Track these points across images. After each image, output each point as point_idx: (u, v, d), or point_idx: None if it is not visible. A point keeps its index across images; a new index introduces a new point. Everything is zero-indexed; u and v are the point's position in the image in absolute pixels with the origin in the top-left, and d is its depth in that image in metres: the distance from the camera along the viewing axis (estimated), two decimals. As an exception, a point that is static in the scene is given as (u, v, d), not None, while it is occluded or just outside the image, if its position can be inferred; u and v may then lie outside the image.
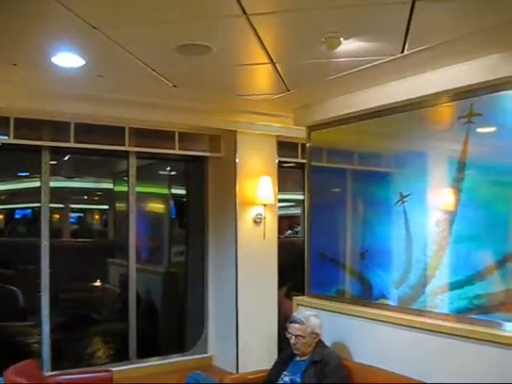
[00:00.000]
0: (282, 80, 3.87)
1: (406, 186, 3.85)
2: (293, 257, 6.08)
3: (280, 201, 5.76)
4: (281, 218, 7.73)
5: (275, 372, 4.01)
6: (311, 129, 4.70)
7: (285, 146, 5.70)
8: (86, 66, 3.52)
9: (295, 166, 5.99)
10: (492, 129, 3.44)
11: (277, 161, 5.54)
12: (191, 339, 5.80)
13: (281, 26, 2.97)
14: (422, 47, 3.12)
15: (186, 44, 3.10)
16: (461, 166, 3.48)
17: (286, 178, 6.31)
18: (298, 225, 7.29)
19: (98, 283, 6.00)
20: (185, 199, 6.22)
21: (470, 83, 3.36)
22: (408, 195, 3.81)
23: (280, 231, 7.99)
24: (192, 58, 3.34)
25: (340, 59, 3.35)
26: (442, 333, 3.43)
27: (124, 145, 5.03)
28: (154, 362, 5.44)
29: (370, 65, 3.45)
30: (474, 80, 3.34)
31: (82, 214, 6.62)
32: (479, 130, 3.43)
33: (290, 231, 7.63)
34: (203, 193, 5.76)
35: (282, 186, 5.78)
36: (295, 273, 4.86)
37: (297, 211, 7.25)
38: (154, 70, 3.63)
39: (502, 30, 2.85)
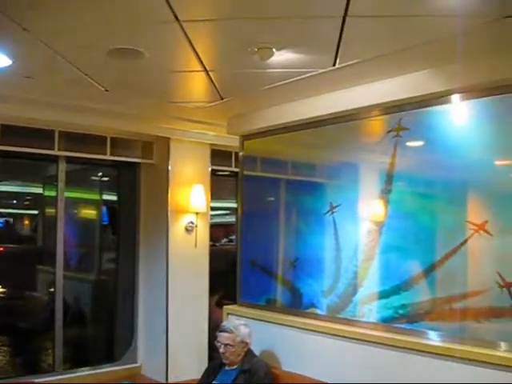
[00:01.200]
0: (216, 88, 3.86)
1: (336, 196, 3.92)
2: (226, 265, 6.07)
3: (215, 209, 5.75)
4: (217, 226, 7.72)
5: (204, 381, 3.98)
6: (244, 138, 4.72)
7: (219, 155, 5.68)
8: (13, 66, 3.39)
9: (231, 174, 5.99)
10: (419, 143, 3.56)
11: (210, 169, 5.52)
12: (120, 348, 5.66)
13: (214, 34, 2.96)
14: (353, 61, 3.18)
15: (117, 48, 3.03)
16: (389, 179, 3.57)
17: (221, 186, 6.30)
18: (234, 233, 7.29)
19: (25, 291, 5.80)
20: (116, 206, 6.10)
21: (398, 98, 3.46)
22: (338, 206, 3.88)
23: (216, 239, 7.98)
24: (124, 62, 3.28)
25: (273, 70, 3.37)
26: (369, 341, 3.49)
27: (53, 149, 4.87)
28: (81, 372, 5.26)
29: (302, 76, 3.49)
30: (402, 95, 3.44)
31: (10, 219, 6.40)
32: (406, 143, 3.54)
33: (225, 239, 7.62)
34: (135, 200, 5.66)
35: (217, 195, 5.76)
36: (228, 281, 4.85)
37: (232, 219, 7.24)
38: (84, 73, 3.54)
39: (430, 47, 2.95)
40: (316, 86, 3.70)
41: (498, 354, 2.90)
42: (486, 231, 3.06)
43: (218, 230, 7.98)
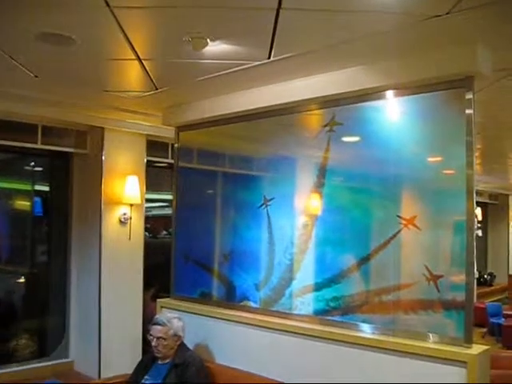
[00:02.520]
0: (150, 78, 3.78)
1: (270, 190, 3.93)
2: (163, 258, 5.99)
3: (155, 201, 5.65)
4: (156, 219, 7.61)
5: (136, 377, 3.91)
6: (180, 129, 4.66)
7: (155, 146, 5.60)
8: None
9: (169, 166, 5.90)
10: (352, 138, 3.60)
11: (145, 160, 5.43)
12: (52, 344, 5.53)
13: (146, 22, 2.90)
14: (288, 55, 3.18)
15: (45, 33, 2.92)
16: (322, 173, 3.60)
17: (160, 177, 6.21)
18: (173, 226, 7.20)
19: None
20: (49, 196, 5.92)
21: (333, 93, 3.49)
22: (271, 199, 3.88)
23: (156, 231, 7.87)
24: (53, 48, 3.16)
25: (207, 61, 3.33)
26: (301, 334, 3.52)
27: (-20, 137, 4.68)
28: (9, 368, 5.09)
29: (237, 68, 3.46)
30: (337, 90, 3.46)
31: None
32: (340, 138, 3.57)
33: (164, 232, 7.53)
34: (68, 190, 5.52)
35: (156, 186, 5.67)
36: (165, 274, 4.78)
37: (172, 212, 7.17)
38: (11, 57, 3.39)
39: (364, 43, 2.98)
40: (252, 78, 3.68)
41: (428, 345, 2.97)
42: (415, 225, 3.13)
43: (158, 223, 7.87)
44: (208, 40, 2.95)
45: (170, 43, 3.13)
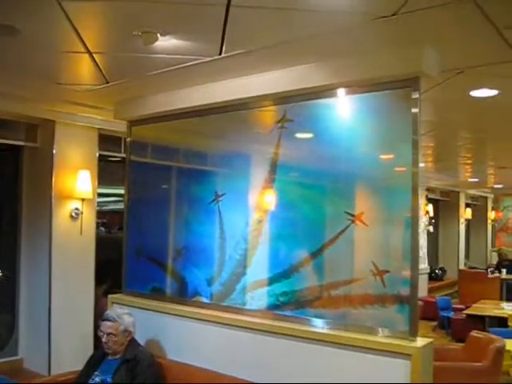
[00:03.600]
0: (101, 71, 3.74)
1: (222, 185, 3.93)
2: (117, 253, 5.94)
3: (109, 195, 5.58)
4: (112, 214, 7.52)
5: (86, 373, 3.87)
6: (132, 123, 4.61)
7: (108, 140, 5.54)
8: None
9: (124, 160, 5.83)
10: (302, 135, 3.64)
11: (97, 154, 5.36)
12: (0, 341, 5.41)
13: (95, 14, 2.87)
14: (239, 51, 3.19)
15: (-13, 22, 2.86)
16: (273, 169, 3.63)
17: (117, 172, 6.14)
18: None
19: None
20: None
21: (284, 90, 3.51)
22: (223, 195, 3.89)
23: (111, 226, 7.78)
24: (-4, 37, 3.08)
25: (158, 55, 3.31)
26: (252, 329, 3.54)
27: None
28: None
29: (189, 64, 3.45)
30: (288, 87, 3.48)
31: None
32: (291, 135, 3.60)
33: (118, 227, 7.45)
34: (17, 185, 5.40)
35: (110, 181, 5.60)
36: (119, 270, 4.74)
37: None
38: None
39: (315, 41, 3.02)
40: (204, 74, 3.68)
41: (375, 339, 3.03)
42: (362, 222, 3.19)
43: (113, 217, 7.79)
44: (158, 35, 2.94)
45: (120, 37, 3.11)
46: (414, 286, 2.98)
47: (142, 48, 3.14)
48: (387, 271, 3.08)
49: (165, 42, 3.05)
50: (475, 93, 4.22)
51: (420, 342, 2.95)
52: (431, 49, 2.96)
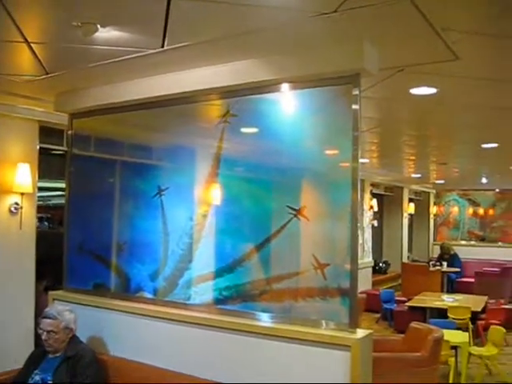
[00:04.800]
0: (40, 62, 3.63)
1: (165, 179, 3.90)
2: (58, 249, 5.81)
3: (54, 190, 5.44)
4: (57, 208, 7.35)
5: (25, 371, 3.78)
6: (74, 116, 4.51)
7: (50, 133, 5.39)
8: None
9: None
10: (246, 129, 3.67)
11: (38, 147, 5.22)
12: None
13: (33, 3, 2.77)
14: (182, 44, 3.16)
15: None
16: (217, 163, 3.63)
17: (62, 166, 5.98)
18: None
19: None
20: None
21: (228, 84, 3.50)
22: (166, 189, 3.87)
23: (57, 221, 7.60)
24: None
25: (99, 47, 3.25)
26: (195, 323, 3.54)
27: None
28: None
29: (131, 56, 3.40)
30: (232, 81, 3.48)
31: None
32: (234, 129, 3.60)
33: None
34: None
35: (57, 175, 5.45)
36: (59, 266, 4.63)
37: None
38: None
39: (257, 36, 3.02)
40: (147, 66, 3.63)
41: (316, 331, 3.07)
42: (304, 216, 3.22)
43: (57, 212, 7.63)
44: (98, 26, 2.89)
45: (60, 27, 3.04)
46: (353, 278, 3.04)
47: (82, 39, 3.07)
48: (328, 264, 3.13)
49: (105, 34, 3.00)
50: (415, 91, 4.32)
51: (359, 333, 3.01)
52: (371, 46, 3.02)
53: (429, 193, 16.77)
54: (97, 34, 2.98)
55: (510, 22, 3.01)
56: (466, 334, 7.44)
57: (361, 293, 10.05)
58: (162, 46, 3.20)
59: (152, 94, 3.84)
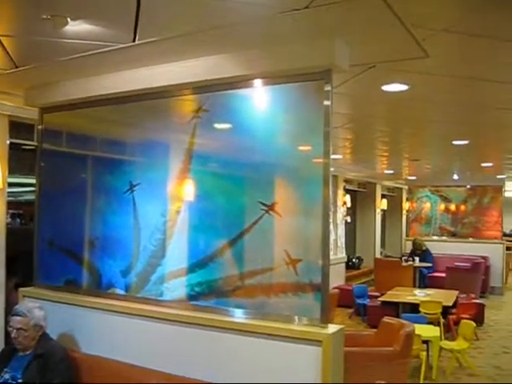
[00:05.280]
0: (9, 55, 3.58)
1: (137, 175, 3.87)
2: (29, 245, 5.74)
3: (25, 186, 5.36)
4: (28, 204, 7.23)
5: (-6, 370, 3.73)
6: (44, 110, 4.44)
7: (21, 127, 5.30)
8: None
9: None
10: (218, 125, 3.64)
11: (8, 142, 5.13)
12: None
13: (1, -5, 2.74)
14: (154, 39, 3.13)
15: None
16: (189, 159, 3.61)
17: (33, 161, 5.90)
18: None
19: None
20: None
21: (200, 79, 3.48)
22: (137, 184, 3.84)
23: (26, 218, 7.49)
24: None
25: (70, 40, 3.23)
26: (167, 320, 3.52)
27: None
28: None
29: (102, 50, 3.36)
30: (204, 77, 3.45)
31: None
32: (206, 125, 3.59)
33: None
34: None
35: (28, 171, 5.37)
36: (31, 262, 4.57)
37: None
38: None
39: (230, 31, 3.01)
40: (119, 60, 3.58)
41: (288, 327, 3.08)
42: (276, 212, 3.23)
43: (29, 208, 7.51)
44: (68, 19, 2.86)
45: (29, 20, 3.01)
46: (325, 274, 3.05)
47: (52, 32, 3.04)
48: (299, 260, 3.14)
49: (76, 27, 2.97)
50: (387, 87, 4.36)
51: (331, 328, 3.02)
52: (343, 42, 3.02)
53: (401, 189, 16.95)
54: (67, 28, 2.95)
55: (478, 21, 3.06)
56: (438, 328, 7.56)
57: (334, 288, 10.13)
58: (134, 41, 3.17)
59: (124, 89, 3.79)
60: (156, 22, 2.96)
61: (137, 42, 3.18)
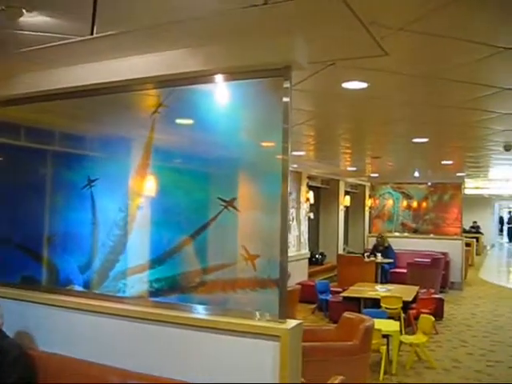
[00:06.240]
0: (-38, 46, 3.50)
1: (95, 170, 3.82)
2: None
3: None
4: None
5: None
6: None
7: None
8: None
9: None
10: (178, 120, 3.63)
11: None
12: None
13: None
14: (112, 32, 3.09)
15: None
16: (148, 154, 3.58)
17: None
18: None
19: None
20: None
21: (159, 74, 3.45)
22: (96, 180, 3.79)
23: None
24: None
25: (26, 32, 3.15)
26: (125, 316, 3.48)
27: None
28: None
29: (59, 42, 3.30)
30: (163, 71, 3.42)
31: None
32: (165, 120, 3.56)
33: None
34: None
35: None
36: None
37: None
38: None
39: (189, 25, 2.99)
40: (76, 54, 3.53)
41: (246, 322, 3.08)
42: (234, 207, 3.23)
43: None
44: (23, 10, 2.79)
45: (-18, 11, 2.91)
46: (283, 269, 3.06)
47: (7, 24, 2.97)
48: (258, 256, 3.15)
49: (31, 19, 2.91)
50: (347, 85, 4.40)
51: (289, 323, 3.04)
52: (302, 39, 3.03)
53: (364, 186, 17.15)
54: (22, 19, 2.89)
55: (436, 21, 3.11)
56: (398, 323, 7.68)
57: (297, 284, 10.21)
58: (92, 34, 3.12)
59: (82, 83, 3.73)
60: (114, 15, 2.91)
61: (95, 35, 3.13)
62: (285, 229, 3.06)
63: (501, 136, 7.50)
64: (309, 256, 13.52)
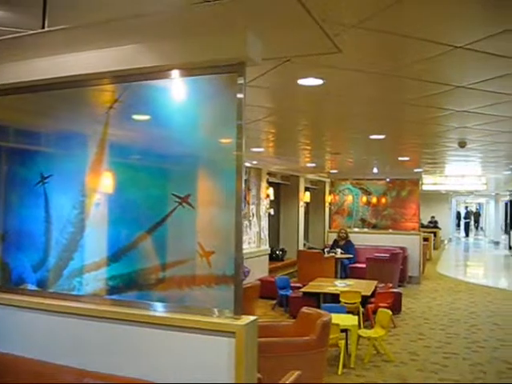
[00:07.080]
0: None
1: (48, 166, 3.75)
2: None
3: None
4: None
5: None
6: None
7: None
8: None
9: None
10: (133, 116, 3.58)
11: None
12: None
13: None
14: (63, 26, 3.04)
15: None
16: (103, 150, 3.53)
17: None
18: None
19: None
20: None
21: (113, 69, 3.39)
22: (49, 176, 3.72)
23: None
24: None
25: (-27, 25, 3.08)
26: (80, 315, 3.44)
27: None
28: None
29: (9, 36, 3.23)
30: (117, 66, 3.37)
31: None
32: (120, 115, 3.52)
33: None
34: None
35: None
36: None
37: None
38: None
39: (141, 20, 2.97)
40: (27, 48, 3.44)
41: (202, 319, 3.07)
42: (189, 204, 3.22)
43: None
44: (-29, 3, 2.73)
45: None
46: (238, 266, 3.07)
47: (-46, 16, 2.90)
48: (213, 252, 3.15)
49: (-20, 11, 2.84)
50: (303, 81, 4.43)
51: (244, 320, 3.05)
52: (255, 35, 3.02)
53: (324, 182, 17.32)
54: (-32, 11, 2.81)
55: (388, 18, 3.16)
56: (356, 317, 7.79)
57: (257, 280, 10.24)
58: (43, 27, 3.07)
59: (36, 77, 3.64)
60: (66, 9, 2.88)
61: (46, 29, 3.08)
62: (240, 225, 3.07)
63: (455, 133, 7.67)
64: (269, 252, 13.58)
